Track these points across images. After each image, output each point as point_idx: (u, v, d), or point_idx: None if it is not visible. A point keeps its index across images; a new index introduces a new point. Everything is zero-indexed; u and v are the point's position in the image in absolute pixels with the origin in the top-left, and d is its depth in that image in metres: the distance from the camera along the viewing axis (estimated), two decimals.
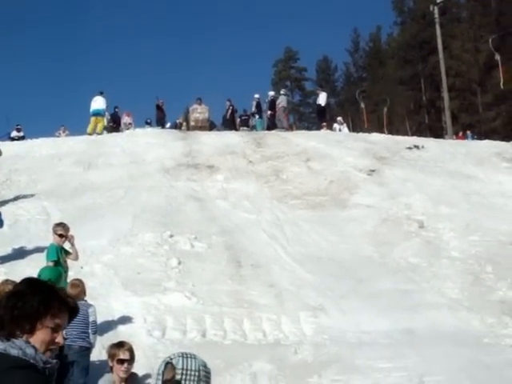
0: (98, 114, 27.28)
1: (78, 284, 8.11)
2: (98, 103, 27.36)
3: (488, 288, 12.10)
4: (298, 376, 8.46)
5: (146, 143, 21.53)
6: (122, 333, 9.43)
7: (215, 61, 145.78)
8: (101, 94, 27.95)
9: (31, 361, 2.53)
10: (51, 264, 8.79)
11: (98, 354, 7.36)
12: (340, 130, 30.15)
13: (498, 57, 34.47)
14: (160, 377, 3.07)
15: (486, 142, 25.24)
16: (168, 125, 29.99)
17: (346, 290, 11.67)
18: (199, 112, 29.73)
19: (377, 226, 15.24)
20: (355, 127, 44.46)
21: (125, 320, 10.10)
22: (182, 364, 3.05)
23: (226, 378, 8.26)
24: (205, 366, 3.12)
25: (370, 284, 12.05)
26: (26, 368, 2.51)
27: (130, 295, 10.98)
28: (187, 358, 3.08)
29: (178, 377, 3.03)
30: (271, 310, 10.83)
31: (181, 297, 11.06)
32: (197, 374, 3.06)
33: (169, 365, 3.06)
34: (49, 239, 9.33)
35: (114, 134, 26.30)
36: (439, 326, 10.27)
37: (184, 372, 3.04)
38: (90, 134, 25.74)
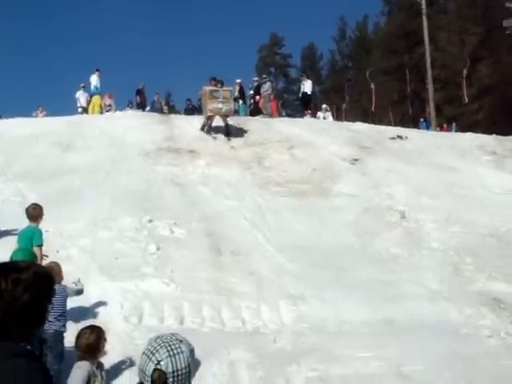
0: (92, 93, 27.46)
1: (53, 267, 7.94)
2: (92, 82, 27.55)
3: (467, 279, 12.13)
4: (277, 364, 8.38)
5: (127, 126, 21.23)
6: (98, 319, 9.29)
7: (199, 44, 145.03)
8: (96, 71, 28.06)
9: (28, 347, 2.46)
10: (37, 249, 8.62)
11: (73, 339, 7.20)
12: (324, 118, 30.03)
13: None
14: (149, 379, 2.92)
15: (469, 135, 25.26)
16: (148, 108, 29.52)
17: (326, 279, 11.60)
18: (222, 99, 21.27)
19: (359, 216, 15.21)
20: (339, 116, 44.45)
21: (101, 306, 9.98)
22: (172, 367, 2.88)
23: (203, 365, 8.00)
24: (191, 351, 2.96)
25: (351, 273, 12.00)
26: (26, 356, 2.43)
27: (106, 280, 10.84)
28: (175, 355, 2.90)
29: (169, 380, 2.89)
30: (251, 297, 10.75)
31: (159, 283, 10.95)
32: (187, 369, 2.92)
33: (157, 371, 2.91)
34: (23, 221, 9.13)
35: (94, 115, 26.10)
36: (419, 317, 10.24)
37: (175, 374, 2.89)
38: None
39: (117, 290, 10.54)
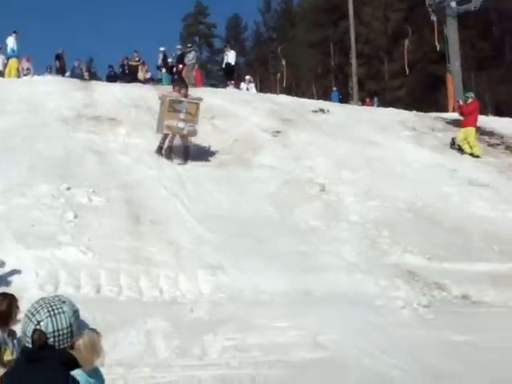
0: (9, 56, 26.84)
1: None
2: (9, 44, 26.93)
3: (383, 252, 12.39)
4: (193, 334, 8.41)
5: (45, 91, 20.63)
6: (11, 287, 9.07)
7: (123, 11, 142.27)
8: (14, 33, 27.43)
9: None
10: None
11: None
12: (248, 89, 30.01)
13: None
14: (29, 340, 2.86)
15: (390, 110, 25.66)
16: (68, 73, 28.85)
17: (245, 250, 11.66)
18: (185, 115, 16.06)
19: (279, 188, 15.26)
20: (263, 88, 44.46)
21: (15, 274, 9.78)
22: (53, 327, 2.84)
23: (119, 335, 8.12)
24: (74, 312, 2.94)
25: (270, 244, 12.07)
26: None
27: (21, 248, 10.61)
28: (55, 315, 2.86)
29: (50, 340, 2.84)
30: (169, 267, 10.72)
31: (76, 251, 10.78)
32: (69, 329, 2.88)
33: (37, 331, 2.85)
34: None
35: (11, 79, 25.36)
36: (336, 288, 10.42)
37: (56, 334, 2.84)
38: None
39: (32, 258, 10.34)
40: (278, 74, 38.99)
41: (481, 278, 11.38)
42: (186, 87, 16.83)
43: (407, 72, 37.07)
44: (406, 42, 35.35)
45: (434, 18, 31.14)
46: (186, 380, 7.36)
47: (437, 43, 31.24)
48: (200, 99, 16.83)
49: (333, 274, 10.97)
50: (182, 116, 15.97)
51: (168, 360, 7.77)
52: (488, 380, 7.33)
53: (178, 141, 16.54)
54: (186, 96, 16.51)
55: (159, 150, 16.36)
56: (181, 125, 16.00)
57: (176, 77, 27.51)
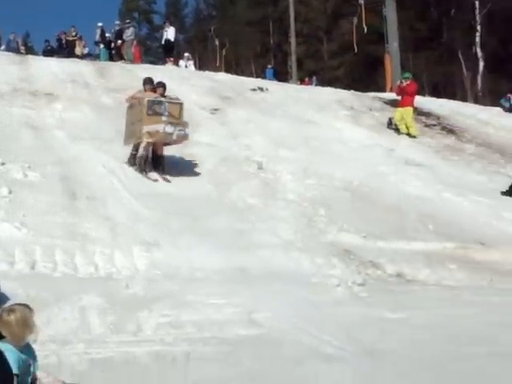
0: None
1: None
2: None
3: (320, 231, 12.48)
4: (128, 310, 8.35)
5: None
6: None
7: None
8: None
9: None
10: None
11: None
12: (186, 66, 29.83)
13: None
14: None
15: (328, 89, 25.84)
16: (3, 47, 28.18)
17: (182, 227, 11.64)
18: (168, 118, 13.67)
19: (217, 165, 15.27)
20: (202, 65, 44.25)
21: None
22: None
23: (53, 310, 8.01)
24: None
25: (207, 222, 12.09)
26: None
27: None
28: None
29: None
30: (105, 243, 10.61)
31: (10, 227, 10.59)
32: None
33: None
34: None
35: None
36: (272, 266, 10.47)
37: None
38: None
39: None
40: (224, 50, 38.67)
41: (415, 256, 11.55)
42: (163, 86, 14.55)
43: (356, 50, 36.84)
44: (355, 20, 35.12)
45: (361, 1, 31.52)
46: (121, 356, 7.32)
47: (364, 25, 31.55)
48: (178, 99, 14.72)
49: (269, 252, 11.01)
50: (165, 118, 13.61)
51: (102, 336, 7.72)
52: (422, 356, 7.49)
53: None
54: (163, 96, 14.31)
55: (132, 160, 14.22)
56: (169, 129, 13.60)
57: (114, 52, 27.23)
